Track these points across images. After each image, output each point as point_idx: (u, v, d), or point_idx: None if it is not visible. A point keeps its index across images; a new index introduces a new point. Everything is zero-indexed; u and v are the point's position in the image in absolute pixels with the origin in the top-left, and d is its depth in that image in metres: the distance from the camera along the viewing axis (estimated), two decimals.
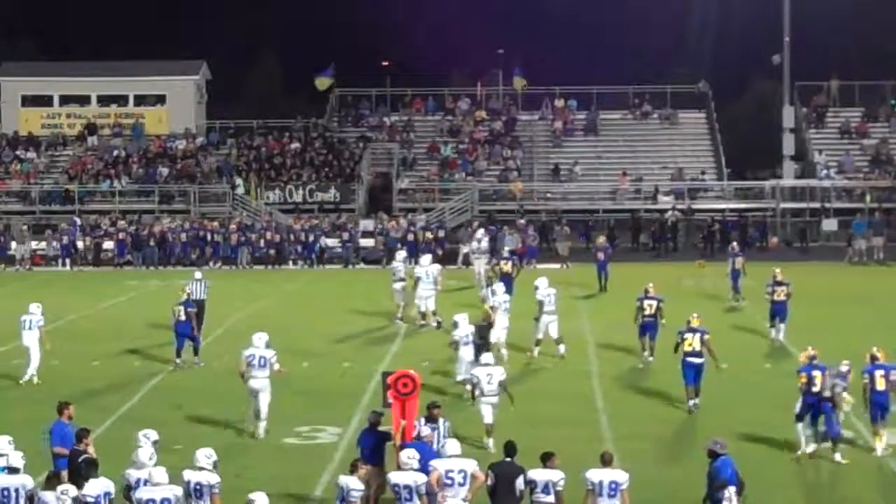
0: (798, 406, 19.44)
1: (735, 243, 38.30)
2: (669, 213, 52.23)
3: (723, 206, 53.99)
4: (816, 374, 19.31)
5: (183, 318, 26.82)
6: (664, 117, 60.40)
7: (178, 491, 13.83)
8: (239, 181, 54.62)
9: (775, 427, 20.76)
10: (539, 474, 14.24)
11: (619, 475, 14.22)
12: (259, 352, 21.12)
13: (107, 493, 13.79)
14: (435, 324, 31.02)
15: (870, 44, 70.88)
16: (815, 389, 19.19)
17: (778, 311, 29.18)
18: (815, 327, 30.73)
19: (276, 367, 21.13)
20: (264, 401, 20.92)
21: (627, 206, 54.03)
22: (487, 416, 19.96)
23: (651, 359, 26.96)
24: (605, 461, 14.35)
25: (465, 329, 23.59)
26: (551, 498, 14.13)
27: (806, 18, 57.04)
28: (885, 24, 68.54)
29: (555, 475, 14.20)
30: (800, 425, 19.47)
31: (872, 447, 19.56)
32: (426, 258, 32.96)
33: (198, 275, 31.32)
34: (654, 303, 26.69)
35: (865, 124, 58.53)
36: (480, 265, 38.41)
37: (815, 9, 57.88)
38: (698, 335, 22.62)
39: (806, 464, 19.18)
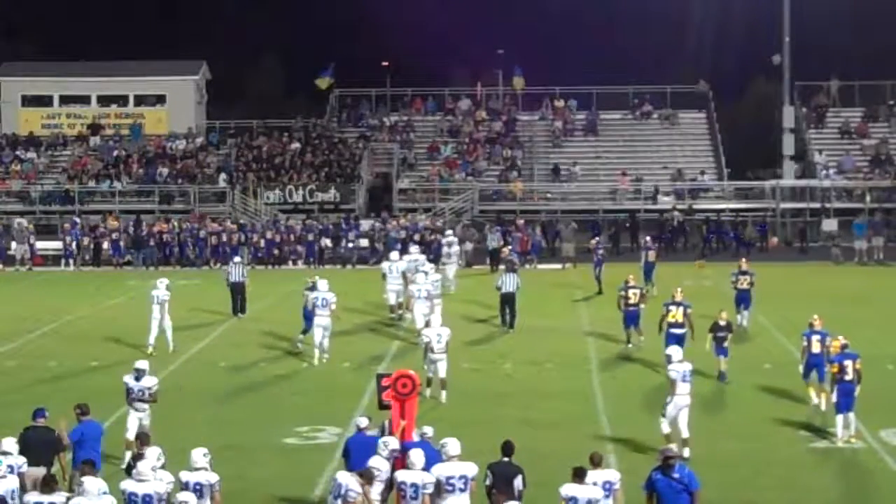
0: (835, 395, 20.20)
1: (649, 237, 40.30)
2: (670, 212, 52.22)
3: (723, 206, 54.01)
4: (848, 363, 20.12)
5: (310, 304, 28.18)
6: (664, 117, 60.40)
7: (161, 488, 13.82)
8: (223, 175, 54.69)
9: (774, 427, 20.79)
10: (580, 491, 13.66)
11: (612, 475, 14.22)
12: (322, 294, 26.61)
13: (105, 493, 13.79)
14: (397, 316, 32.34)
15: (870, 44, 70.80)
16: (848, 378, 20.06)
17: (742, 299, 30.53)
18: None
19: (334, 307, 26.61)
20: (326, 336, 26.67)
21: (627, 207, 54.02)
22: (442, 371, 23.01)
23: (642, 338, 28.04)
24: (595, 462, 14.25)
25: (147, 382, 19.59)
26: None
27: (806, 18, 57.02)
28: (885, 24, 68.50)
29: (597, 492, 13.77)
30: (840, 417, 20.08)
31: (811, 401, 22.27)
32: (394, 254, 34.17)
33: (237, 258, 35.23)
34: (638, 292, 27.96)
35: (865, 124, 58.53)
36: (451, 270, 37.92)
37: (815, 9, 57.86)
38: (682, 308, 25.23)
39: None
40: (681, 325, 25.14)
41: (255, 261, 47.62)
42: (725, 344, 24.16)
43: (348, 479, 14.25)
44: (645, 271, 36.95)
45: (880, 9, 66.43)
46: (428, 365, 23.23)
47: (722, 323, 24.24)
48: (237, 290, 33.67)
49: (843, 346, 20.48)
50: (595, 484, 13.95)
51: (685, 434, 19.29)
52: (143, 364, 19.51)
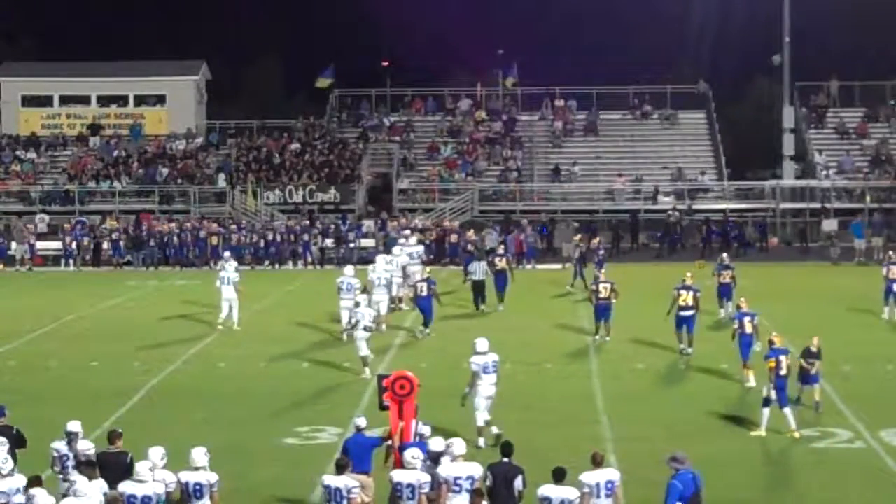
0: (765, 390, 20.74)
1: (581, 234, 42.42)
2: (670, 212, 52.23)
3: (723, 206, 53.99)
4: (783, 358, 20.69)
5: (425, 293, 30.20)
6: (664, 117, 60.39)
7: (160, 489, 13.81)
8: (222, 175, 54.79)
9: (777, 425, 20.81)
10: (554, 491, 13.75)
11: (613, 474, 14.22)
12: (347, 279, 29.43)
13: (106, 494, 13.81)
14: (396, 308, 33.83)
15: (870, 44, 70.78)
16: (783, 373, 20.61)
17: (724, 292, 31.87)
18: (812, 327, 30.72)
19: (358, 291, 28.88)
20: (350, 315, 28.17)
21: (627, 207, 54.01)
22: (363, 349, 25.26)
23: (608, 339, 28.88)
24: (597, 462, 14.25)
25: (83, 447, 15.77)
26: None
27: (806, 18, 57.00)
28: (885, 25, 68.47)
29: (571, 492, 13.81)
30: (788, 409, 20.55)
31: (746, 381, 24.07)
32: (398, 249, 35.60)
33: (226, 254, 35.75)
34: (609, 286, 28.96)
35: (865, 124, 58.52)
36: (410, 285, 34.66)
37: (815, 9, 57.84)
38: (692, 292, 26.92)
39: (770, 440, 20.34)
40: (690, 308, 26.83)
41: (254, 261, 47.66)
42: (814, 371, 22.31)
43: (345, 481, 14.20)
44: (577, 265, 38.77)
45: (880, 9, 66.39)
46: (357, 343, 25.49)
47: (813, 349, 22.46)
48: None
49: (771, 343, 20.98)
50: (598, 483, 13.96)
51: (487, 418, 19.87)
52: (74, 426, 15.72)
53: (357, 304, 26.31)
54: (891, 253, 35.07)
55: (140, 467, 13.84)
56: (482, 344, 20.40)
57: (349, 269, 30.40)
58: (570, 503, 13.71)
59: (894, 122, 58.66)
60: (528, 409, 22.69)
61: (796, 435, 20.27)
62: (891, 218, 51.81)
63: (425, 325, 30.23)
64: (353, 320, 25.86)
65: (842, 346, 27.65)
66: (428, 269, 34.13)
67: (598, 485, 13.98)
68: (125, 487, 13.78)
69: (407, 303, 34.18)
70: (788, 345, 27.46)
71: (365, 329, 25.42)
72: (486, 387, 20.10)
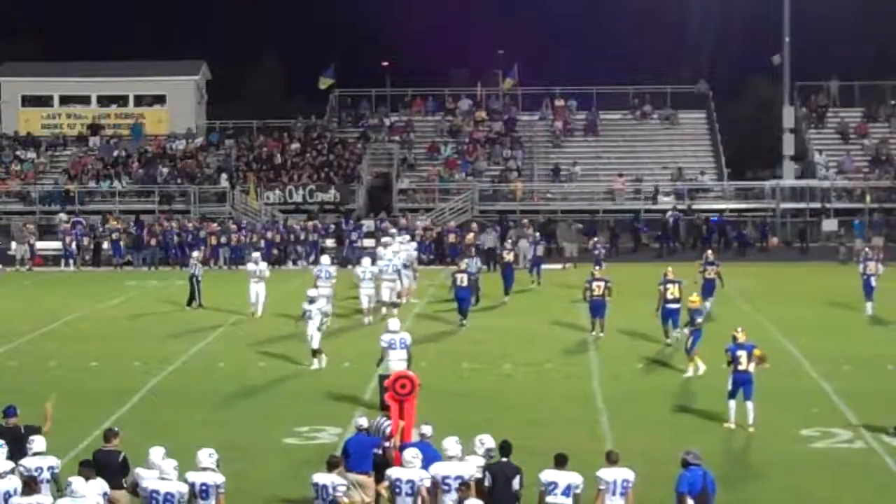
0: (729, 384, 21.01)
1: (537, 233, 42.97)
2: (670, 212, 52.27)
3: (723, 206, 54.02)
4: (742, 353, 20.79)
5: (465, 284, 31.12)
6: (664, 117, 60.41)
7: (183, 488, 13.85)
8: (224, 175, 54.86)
9: (776, 424, 20.81)
10: (559, 476, 13.89)
11: (629, 473, 14.27)
12: (325, 267, 31.57)
13: (105, 494, 13.82)
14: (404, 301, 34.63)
15: (870, 44, 70.84)
16: (741, 368, 20.75)
17: (708, 288, 32.03)
18: (812, 327, 30.76)
19: (335, 280, 31.08)
20: (328, 304, 29.59)
21: (627, 207, 54.05)
22: (316, 341, 26.02)
23: (602, 335, 29.37)
24: (612, 460, 14.33)
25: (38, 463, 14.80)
26: (570, 501, 13.87)
27: (806, 18, 57.04)
28: (884, 24, 68.51)
29: (576, 478, 13.93)
30: (732, 402, 20.93)
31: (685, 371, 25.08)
32: (397, 246, 36.14)
33: (196, 253, 37.34)
34: (602, 283, 29.36)
35: (865, 124, 58.55)
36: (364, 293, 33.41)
37: (815, 9, 57.88)
38: (677, 285, 27.72)
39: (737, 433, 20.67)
40: (677, 301, 27.60)
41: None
42: None
43: (332, 478, 14.24)
44: (535, 265, 39.65)
45: (880, 9, 66.43)
46: (310, 332, 26.05)
47: None
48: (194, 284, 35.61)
49: (734, 338, 21.05)
50: (615, 481, 14.07)
51: None
52: (32, 440, 14.84)
53: (311, 301, 26.30)
54: (867, 249, 35.36)
55: (165, 465, 13.91)
56: (394, 323, 21.91)
57: (326, 259, 32.37)
58: (576, 487, 13.83)
59: (894, 122, 58.70)
60: (528, 409, 22.69)
61: (750, 429, 20.68)
62: (891, 218, 51.86)
63: (464, 314, 31.47)
64: (307, 316, 26.12)
65: (842, 345, 27.68)
66: (466, 261, 34.14)
67: (614, 482, 14.10)
68: (148, 483, 13.85)
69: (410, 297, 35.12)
70: (787, 344, 27.61)
71: (321, 323, 26.11)
72: (396, 363, 20.82)
